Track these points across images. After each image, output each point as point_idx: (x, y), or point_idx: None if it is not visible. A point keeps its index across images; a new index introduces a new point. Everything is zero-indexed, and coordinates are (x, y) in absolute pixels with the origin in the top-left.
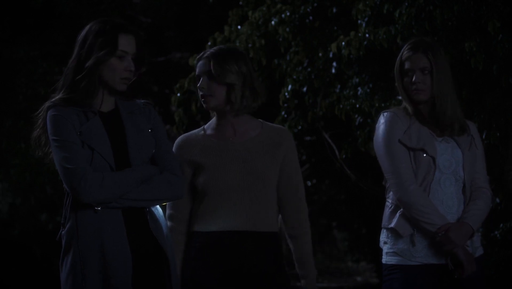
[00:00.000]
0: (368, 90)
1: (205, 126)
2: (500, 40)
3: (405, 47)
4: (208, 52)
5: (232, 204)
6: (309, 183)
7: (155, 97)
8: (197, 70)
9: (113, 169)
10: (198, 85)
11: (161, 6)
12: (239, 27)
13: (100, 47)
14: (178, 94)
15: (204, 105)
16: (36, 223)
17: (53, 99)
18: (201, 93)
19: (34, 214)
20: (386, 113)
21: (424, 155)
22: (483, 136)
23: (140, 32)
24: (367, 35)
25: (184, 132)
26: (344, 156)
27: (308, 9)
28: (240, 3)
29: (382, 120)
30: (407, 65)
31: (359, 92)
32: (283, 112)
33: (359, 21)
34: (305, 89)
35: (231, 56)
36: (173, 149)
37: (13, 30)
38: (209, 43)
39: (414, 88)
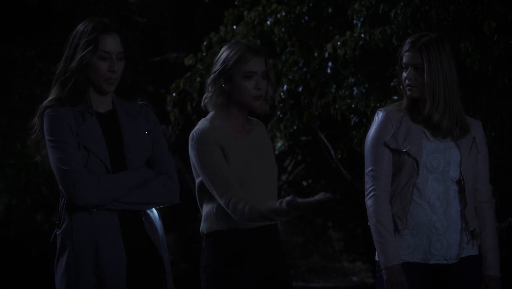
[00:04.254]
0: (363, 90)
1: (211, 119)
2: (495, 40)
3: (406, 41)
4: None
5: (259, 197)
6: (304, 183)
7: (151, 97)
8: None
9: (109, 171)
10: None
11: (157, 6)
12: (234, 27)
13: (82, 48)
14: (174, 94)
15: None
16: (32, 223)
17: (48, 100)
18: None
19: (30, 214)
20: (380, 113)
21: (406, 157)
22: None
23: (123, 29)
24: (362, 35)
25: (179, 132)
26: (339, 156)
27: (304, 9)
28: (236, 3)
29: (375, 119)
30: (404, 60)
31: (354, 92)
32: (278, 112)
33: (354, 21)
34: (300, 89)
35: None
36: (202, 137)
37: (9, 30)
38: (205, 43)
39: (407, 83)
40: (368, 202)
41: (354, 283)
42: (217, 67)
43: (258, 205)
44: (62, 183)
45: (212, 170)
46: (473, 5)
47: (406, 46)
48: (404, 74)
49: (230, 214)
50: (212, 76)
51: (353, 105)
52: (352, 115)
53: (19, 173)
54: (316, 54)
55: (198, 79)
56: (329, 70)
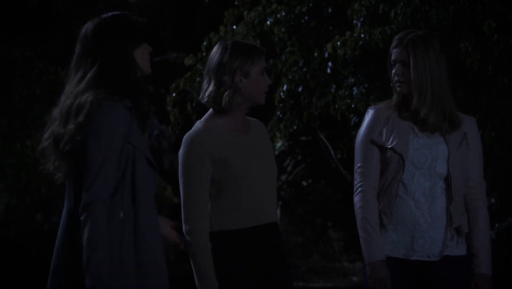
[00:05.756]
0: (363, 90)
1: (207, 120)
2: (495, 40)
3: (395, 38)
4: None
5: (260, 197)
6: (304, 183)
7: (151, 97)
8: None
9: (154, 165)
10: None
11: (157, 6)
12: (234, 27)
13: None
14: (174, 94)
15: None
16: (32, 223)
17: (102, 91)
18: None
19: (30, 214)
20: (370, 110)
21: (392, 153)
22: None
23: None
24: (362, 35)
25: (179, 132)
26: (339, 156)
27: (304, 9)
28: (236, 3)
29: (366, 117)
30: (392, 57)
31: (354, 92)
32: (278, 112)
33: (354, 21)
34: (300, 89)
35: None
36: (191, 145)
37: (9, 30)
38: (205, 43)
39: (396, 80)
40: (356, 198)
41: (354, 283)
42: (236, 63)
43: (208, 257)
44: (92, 186)
45: (189, 189)
46: (473, 5)
47: (393, 43)
48: (393, 71)
49: (186, 238)
50: (224, 72)
51: (353, 105)
52: (352, 115)
53: (19, 173)
54: (316, 54)
55: (198, 79)
56: (329, 70)
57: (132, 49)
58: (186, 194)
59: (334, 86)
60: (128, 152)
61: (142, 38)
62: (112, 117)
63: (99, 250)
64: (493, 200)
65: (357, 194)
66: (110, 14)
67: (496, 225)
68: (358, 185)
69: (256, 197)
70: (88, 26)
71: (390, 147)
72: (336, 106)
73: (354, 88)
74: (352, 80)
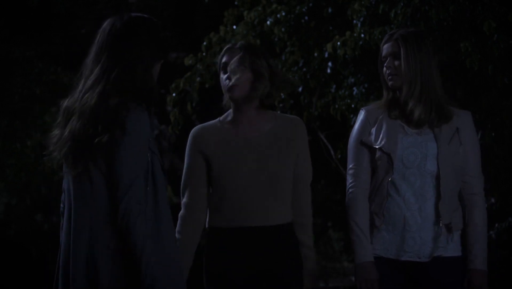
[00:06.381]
0: (363, 90)
1: (221, 118)
2: (495, 40)
3: (385, 36)
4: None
5: (247, 199)
6: None
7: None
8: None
9: (165, 170)
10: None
11: (157, 6)
12: (234, 27)
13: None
14: (174, 94)
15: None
16: (32, 223)
17: (131, 96)
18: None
19: (30, 214)
20: (361, 111)
21: (380, 153)
22: (478, 136)
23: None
24: (362, 35)
25: (179, 132)
26: (339, 156)
27: (304, 9)
28: (236, 3)
29: (358, 118)
30: (383, 53)
31: (354, 92)
32: (278, 112)
33: (354, 21)
34: (300, 89)
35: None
36: (190, 138)
37: (9, 30)
38: (205, 43)
39: (388, 73)
40: (347, 199)
41: (354, 283)
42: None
43: (189, 244)
44: (127, 189)
45: (185, 173)
46: (473, 5)
47: (384, 40)
48: (384, 65)
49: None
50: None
51: (353, 105)
52: (352, 115)
53: (19, 173)
54: (316, 54)
55: (198, 79)
56: (329, 70)
57: (156, 62)
58: (184, 176)
59: (334, 86)
60: (147, 157)
61: (166, 55)
62: (142, 125)
63: (148, 251)
64: (493, 200)
65: (348, 195)
66: (139, 15)
67: (496, 225)
68: (350, 186)
69: (245, 198)
70: (115, 22)
71: (378, 147)
72: (336, 106)
73: (354, 88)
74: (352, 80)
